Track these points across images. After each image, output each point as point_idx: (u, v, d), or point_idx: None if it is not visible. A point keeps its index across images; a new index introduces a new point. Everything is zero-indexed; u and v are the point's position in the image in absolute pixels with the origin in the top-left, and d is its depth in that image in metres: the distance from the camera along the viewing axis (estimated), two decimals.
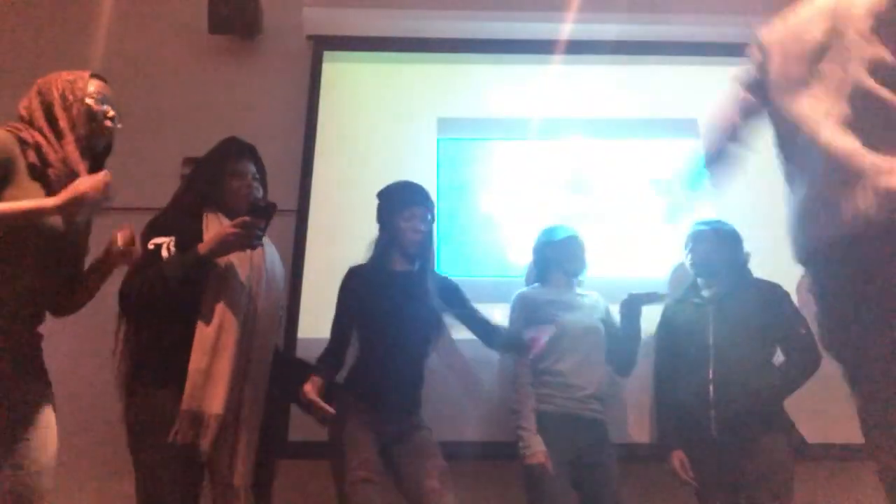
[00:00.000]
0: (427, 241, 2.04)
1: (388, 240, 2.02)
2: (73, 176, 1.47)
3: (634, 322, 2.18)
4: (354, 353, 2.00)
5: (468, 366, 2.39)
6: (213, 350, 1.58)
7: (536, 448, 1.91)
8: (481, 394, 2.36)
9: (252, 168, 1.87)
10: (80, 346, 2.44)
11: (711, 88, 2.90)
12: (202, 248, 1.61)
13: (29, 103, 1.53)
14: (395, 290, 1.95)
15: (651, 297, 2.17)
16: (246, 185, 1.82)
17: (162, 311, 1.61)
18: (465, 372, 2.38)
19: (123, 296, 1.63)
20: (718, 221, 2.29)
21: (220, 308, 1.62)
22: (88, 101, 1.56)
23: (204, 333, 1.59)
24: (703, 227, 2.26)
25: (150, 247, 1.63)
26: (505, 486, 2.27)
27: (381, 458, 1.84)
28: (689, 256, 2.26)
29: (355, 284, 1.99)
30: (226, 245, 1.62)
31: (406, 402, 1.97)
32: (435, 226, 2.11)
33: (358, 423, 1.83)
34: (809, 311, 1.76)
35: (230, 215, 1.74)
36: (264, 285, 1.76)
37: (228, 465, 1.58)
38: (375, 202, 2.11)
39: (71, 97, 1.54)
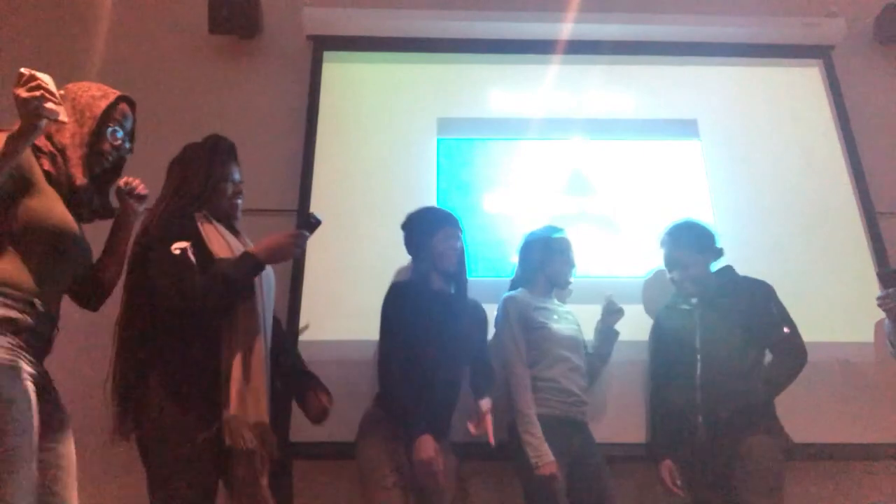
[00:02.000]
0: (463, 261, 2.10)
1: (427, 262, 2.06)
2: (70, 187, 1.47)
3: (611, 344, 2.25)
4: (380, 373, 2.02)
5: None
6: (248, 362, 1.62)
7: (548, 458, 1.91)
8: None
9: (237, 171, 1.86)
10: (81, 346, 2.44)
11: (711, 88, 2.95)
12: (259, 254, 1.65)
13: None
14: (437, 310, 1.98)
15: (617, 315, 2.22)
16: (237, 190, 1.83)
17: (224, 313, 1.64)
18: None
19: (186, 297, 1.58)
20: (678, 227, 2.28)
21: (246, 322, 1.66)
22: (104, 124, 1.54)
23: (237, 347, 1.62)
24: (668, 234, 2.28)
25: (176, 251, 1.61)
26: (500, 486, 2.28)
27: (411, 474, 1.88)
28: (665, 263, 2.29)
29: (400, 301, 2.00)
30: (282, 254, 1.69)
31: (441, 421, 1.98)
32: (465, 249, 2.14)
33: (390, 437, 1.87)
34: None
35: (218, 217, 1.77)
36: (268, 297, 1.78)
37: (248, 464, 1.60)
38: (401, 233, 2.16)
39: (88, 113, 1.51)
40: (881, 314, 2.34)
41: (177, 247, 1.61)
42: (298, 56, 2.98)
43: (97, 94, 1.53)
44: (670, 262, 2.26)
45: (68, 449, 1.44)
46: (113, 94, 1.56)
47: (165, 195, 1.79)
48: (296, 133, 2.80)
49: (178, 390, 1.60)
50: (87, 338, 2.42)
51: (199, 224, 1.70)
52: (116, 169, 1.64)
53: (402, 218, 2.17)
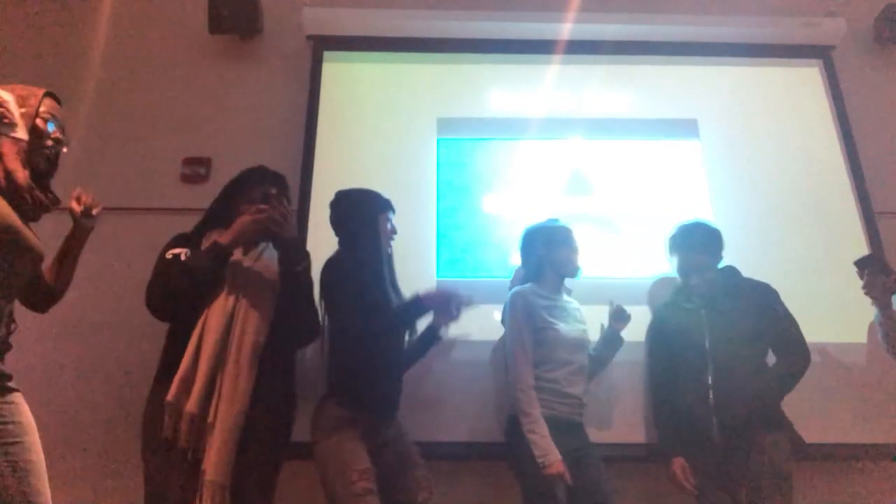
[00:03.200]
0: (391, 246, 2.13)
1: (364, 238, 2.02)
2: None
3: (614, 350, 2.26)
4: (336, 360, 1.96)
5: (462, 366, 2.39)
6: (197, 351, 1.68)
7: (555, 457, 1.89)
8: (475, 394, 2.36)
9: (265, 194, 1.92)
10: (83, 351, 2.46)
11: (711, 88, 2.95)
12: (222, 239, 1.71)
13: None
14: (383, 287, 1.97)
15: (624, 322, 2.26)
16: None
17: (188, 302, 1.70)
18: (459, 372, 2.38)
19: (154, 295, 1.71)
20: (694, 226, 2.28)
21: (207, 311, 1.72)
22: (38, 119, 1.56)
23: (193, 336, 1.69)
24: (678, 235, 2.27)
25: (168, 256, 1.70)
26: (498, 486, 2.28)
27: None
28: (674, 263, 2.29)
29: (344, 275, 1.94)
30: (245, 232, 1.74)
31: (393, 403, 1.98)
32: None
33: (351, 434, 1.81)
34: None
35: None
36: (251, 285, 1.80)
37: (204, 460, 1.62)
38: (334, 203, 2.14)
39: (21, 111, 1.54)
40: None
41: (171, 252, 1.71)
42: (298, 56, 2.98)
43: (24, 94, 1.56)
44: (685, 267, 2.24)
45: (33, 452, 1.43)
46: (39, 90, 1.59)
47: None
48: (296, 133, 2.80)
49: (161, 379, 1.70)
50: (84, 345, 2.45)
51: (205, 235, 1.79)
52: (54, 162, 1.65)
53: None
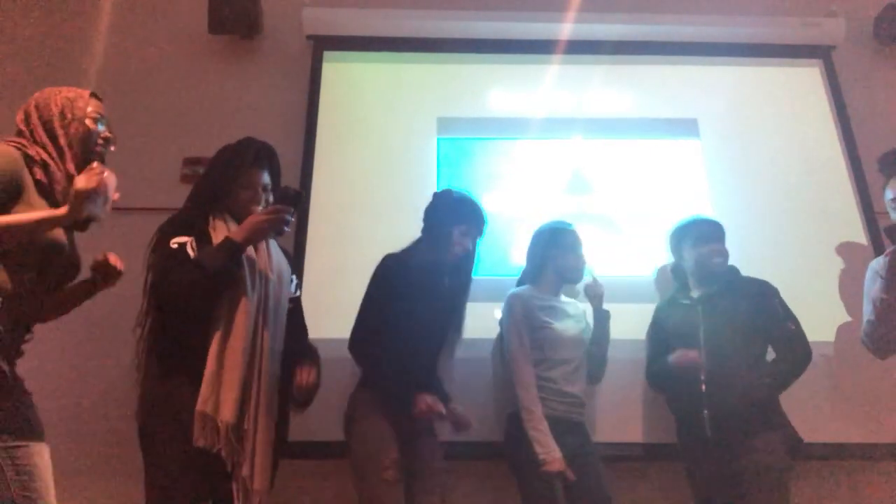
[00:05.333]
0: (466, 259, 2.07)
1: (434, 242, 2.02)
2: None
3: (603, 325, 2.22)
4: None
5: (462, 364, 2.37)
6: (222, 356, 1.59)
7: (556, 454, 1.90)
8: (475, 392, 2.35)
9: (264, 177, 1.84)
10: (83, 349, 2.46)
11: (712, 88, 2.95)
12: (236, 236, 1.63)
13: (28, 118, 1.51)
14: (430, 289, 1.96)
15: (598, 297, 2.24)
16: (255, 198, 1.80)
17: (204, 304, 1.61)
18: (458, 370, 2.37)
19: (165, 292, 1.61)
20: (707, 220, 2.27)
21: (229, 313, 1.62)
22: (87, 121, 1.55)
23: (215, 339, 1.60)
24: (705, 228, 2.24)
25: (174, 245, 1.63)
26: (498, 486, 2.28)
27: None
28: (697, 259, 2.22)
29: (393, 273, 1.96)
30: (259, 232, 1.65)
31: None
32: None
33: (385, 421, 1.84)
34: None
35: (238, 220, 1.75)
36: (272, 289, 1.74)
37: (249, 470, 1.57)
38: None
39: (70, 115, 1.53)
40: None
41: (176, 241, 1.63)
42: (298, 56, 2.99)
43: (71, 96, 1.55)
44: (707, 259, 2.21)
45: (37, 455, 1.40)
46: (84, 91, 1.59)
47: (189, 194, 1.81)
48: (296, 133, 2.80)
49: (170, 381, 1.60)
50: (85, 344, 2.45)
51: (210, 220, 1.71)
52: (103, 163, 1.63)
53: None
